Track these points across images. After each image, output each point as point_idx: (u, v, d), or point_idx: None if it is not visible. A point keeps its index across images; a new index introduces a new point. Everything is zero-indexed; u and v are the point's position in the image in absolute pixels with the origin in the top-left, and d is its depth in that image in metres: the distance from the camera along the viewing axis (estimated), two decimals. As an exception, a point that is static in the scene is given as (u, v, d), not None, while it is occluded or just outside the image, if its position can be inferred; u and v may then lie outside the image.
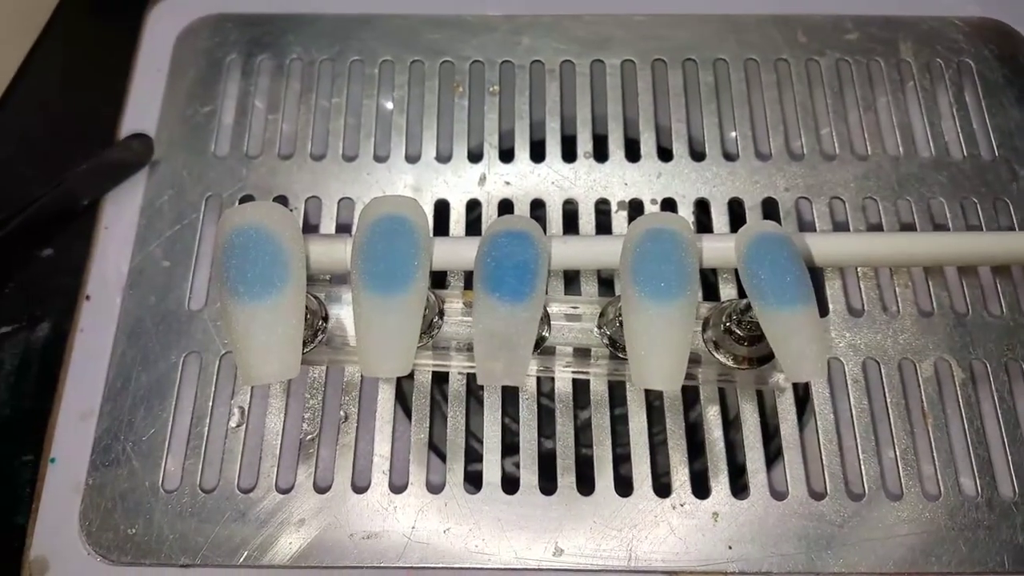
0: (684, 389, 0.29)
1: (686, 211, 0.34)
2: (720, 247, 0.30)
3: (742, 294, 0.28)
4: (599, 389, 0.30)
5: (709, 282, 0.34)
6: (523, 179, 0.34)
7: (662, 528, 0.28)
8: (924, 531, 0.28)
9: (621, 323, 0.27)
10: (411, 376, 0.30)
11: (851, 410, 0.30)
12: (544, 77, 0.36)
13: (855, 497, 0.28)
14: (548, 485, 0.29)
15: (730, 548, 0.28)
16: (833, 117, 0.36)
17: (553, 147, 0.35)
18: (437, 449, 0.31)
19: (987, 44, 0.37)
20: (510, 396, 0.30)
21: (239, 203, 0.34)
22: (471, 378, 0.30)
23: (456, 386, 0.30)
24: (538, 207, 0.34)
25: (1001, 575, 0.27)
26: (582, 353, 0.29)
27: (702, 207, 0.34)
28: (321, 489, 0.29)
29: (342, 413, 0.30)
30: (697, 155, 0.35)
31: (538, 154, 0.35)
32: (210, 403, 0.30)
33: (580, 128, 0.35)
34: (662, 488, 0.29)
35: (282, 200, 0.34)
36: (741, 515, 0.28)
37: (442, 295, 0.29)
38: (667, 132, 0.35)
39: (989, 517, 0.28)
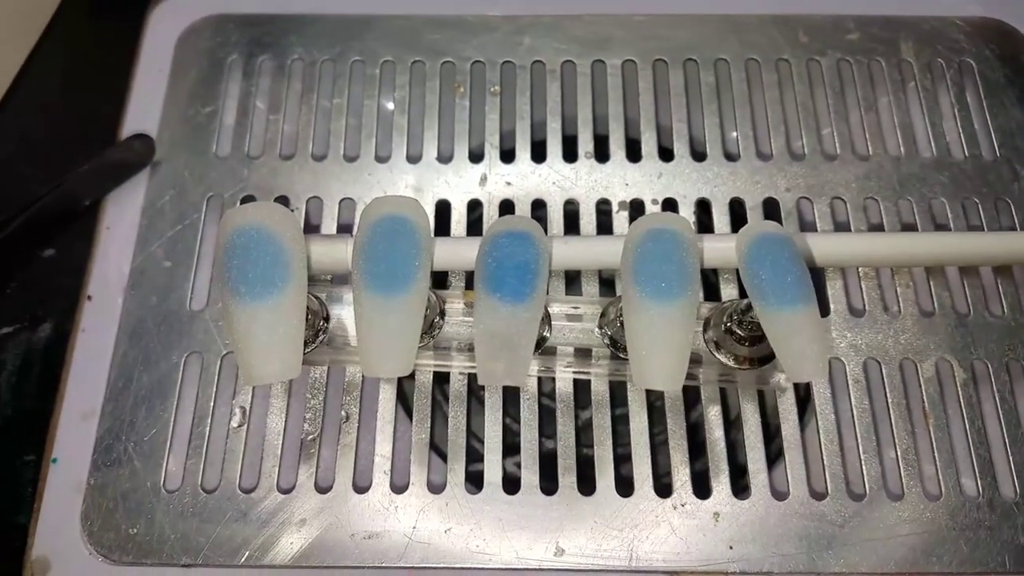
0: (685, 389, 0.29)
1: (687, 211, 0.34)
2: (721, 247, 0.30)
3: (743, 294, 0.28)
4: (600, 389, 0.30)
5: (710, 282, 0.34)
6: (524, 179, 0.34)
7: (663, 528, 0.28)
8: (925, 531, 0.28)
9: (622, 323, 0.27)
10: (412, 376, 0.30)
11: (852, 410, 0.30)
12: (545, 77, 0.36)
13: (856, 497, 0.28)
14: (549, 485, 0.29)
15: (731, 548, 0.28)
16: (834, 117, 0.36)
17: (554, 147, 0.35)
18: (438, 449, 0.31)
19: (988, 44, 0.37)
20: (511, 396, 0.30)
21: (240, 203, 0.34)
22: (472, 378, 0.30)
23: (457, 386, 0.30)
24: (539, 207, 0.34)
25: (1002, 575, 0.27)
26: (583, 353, 0.29)
27: (703, 207, 0.34)
28: (322, 489, 0.29)
29: (343, 413, 0.30)
30: (698, 155, 0.35)
31: (539, 154, 0.35)
32: (211, 403, 0.30)
33: (581, 128, 0.35)
34: (663, 488, 0.29)
35: (283, 200, 0.34)
36: (742, 515, 0.28)
37: (443, 295, 0.29)
38: (668, 132, 0.35)
39: (990, 517, 0.28)
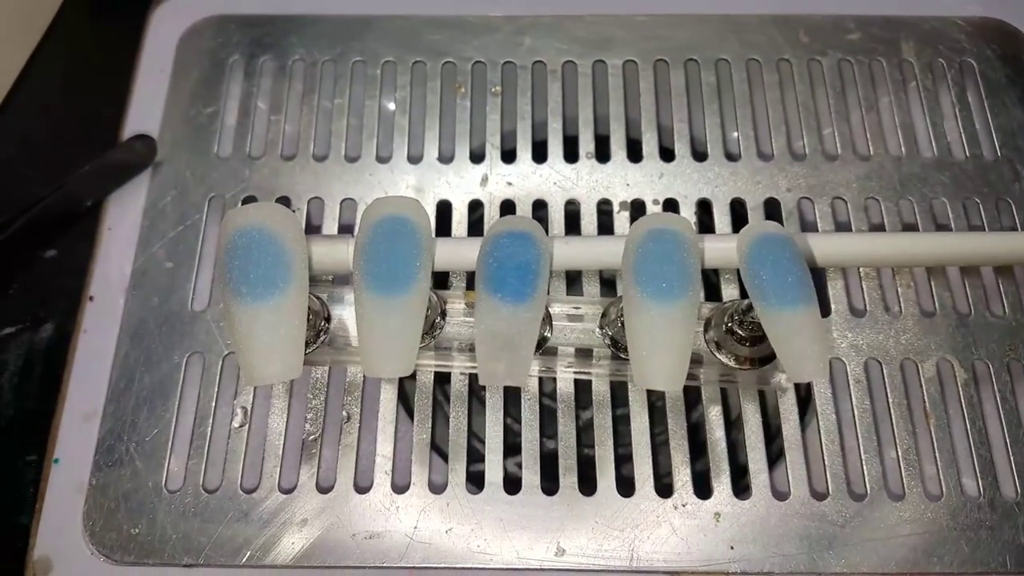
0: (686, 389, 0.29)
1: (688, 211, 0.34)
2: (722, 247, 0.30)
3: (744, 294, 0.28)
4: (601, 389, 0.30)
5: (711, 282, 0.34)
6: (525, 180, 0.34)
7: (664, 528, 0.28)
8: (926, 531, 0.28)
9: (623, 323, 0.27)
10: (413, 376, 0.30)
11: (853, 410, 0.30)
12: (546, 78, 0.36)
13: (857, 497, 0.28)
14: (550, 485, 0.29)
15: (732, 548, 0.28)
16: (835, 117, 0.36)
17: (555, 148, 0.35)
18: (439, 449, 0.31)
19: (989, 44, 0.37)
20: (512, 396, 0.30)
21: (242, 204, 0.34)
22: (473, 378, 0.30)
23: (458, 386, 0.30)
24: (540, 208, 0.34)
25: (1003, 575, 0.27)
26: (584, 353, 0.29)
27: (704, 207, 0.34)
28: (324, 489, 0.29)
29: (344, 413, 0.30)
30: (699, 155, 0.35)
31: (540, 155, 0.35)
32: (213, 403, 0.30)
33: (582, 128, 0.35)
34: (664, 488, 0.29)
35: (285, 201, 0.34)
36: (743, 515, 0.28)
37: (444, 295, 0.29)
38: (669, 132, 0.35)
39: (991, 517, 0.28)
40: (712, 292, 0.33)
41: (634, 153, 0.35)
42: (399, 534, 0.28)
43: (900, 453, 0.29)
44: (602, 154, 0.35)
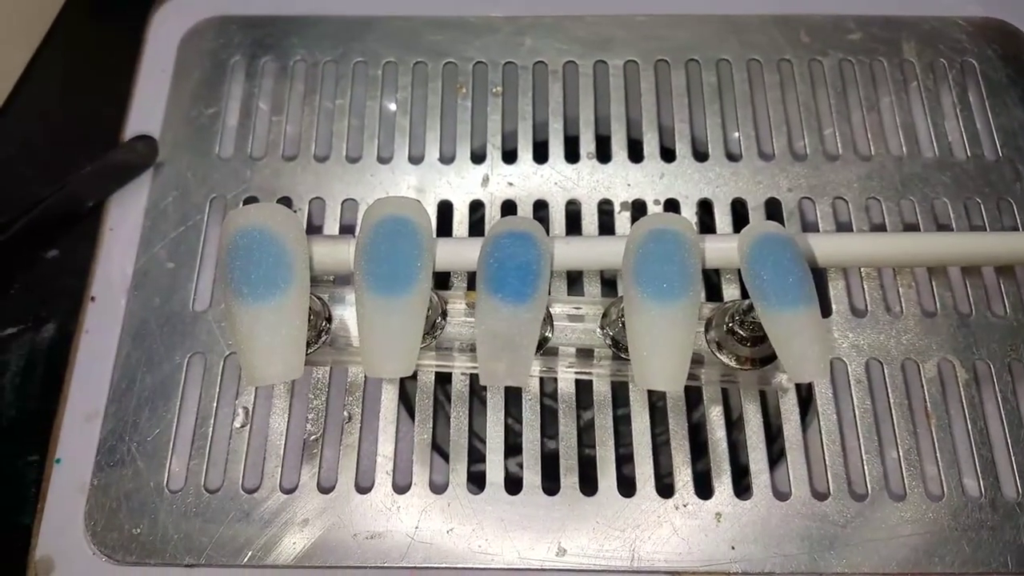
0: (687, 390, 0.29)
1: (689, 211, 0.34)
2: (723, 248, 0.30)
3: (745, 295, 0.28)
4: (602, 390, 0.30)
5: (712, 283, 0.34)
6: (526, 180, 0.35)
7: (665, 528, 0.28)
8: (927, 532, 0.28)
9: (624, 324, 0.27)
10: (414, 377, 0.30)
11: (854, 411, 0.30)
12: (547, 78, 0.36)
13: (858, 497, 0.28)
14: (551, 485, 0.29)
15: (733, 548, 0.28)
16: (836, 117, 0.36)
17: (556, 148, 0.35)
18: (440, 449, 0.31)
19: (990, 44, 0.37)
20: (513, 396, 0.30)
21: (243, 204, 0.34)
22: (474, 378, 0.30)
23: (459, 386, 0.30)
24: (541, 208, 0.34)
25: (1004, 575, 0.27)
26: (585, 354, 0.29)
27: (705, 207, 0.34)
28: (325, 489, 0.29)
29: (346, 413, 0.30)
30: (700, 156, 0.35)
31: (541, 155, 0.35)
32: (214, 404, 0.30)
33: (583, 129, 0.35)
34: (665, 488, 0.29)
35: (286, 201, 0.34)
36: (744, 515, 0.28)
37: (445, 296, 0.29)
38: (670, 133, 0.35)
39: (992, 518, 0.28)
40: (713, 292, 0.33)
41: (635, 153, 0.35)
42: (400, 534, 0.28)
43: (901, 453, 0.29)
44: (603, 154, 0.35)
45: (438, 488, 0.29)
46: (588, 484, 0.29)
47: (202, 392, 0.30)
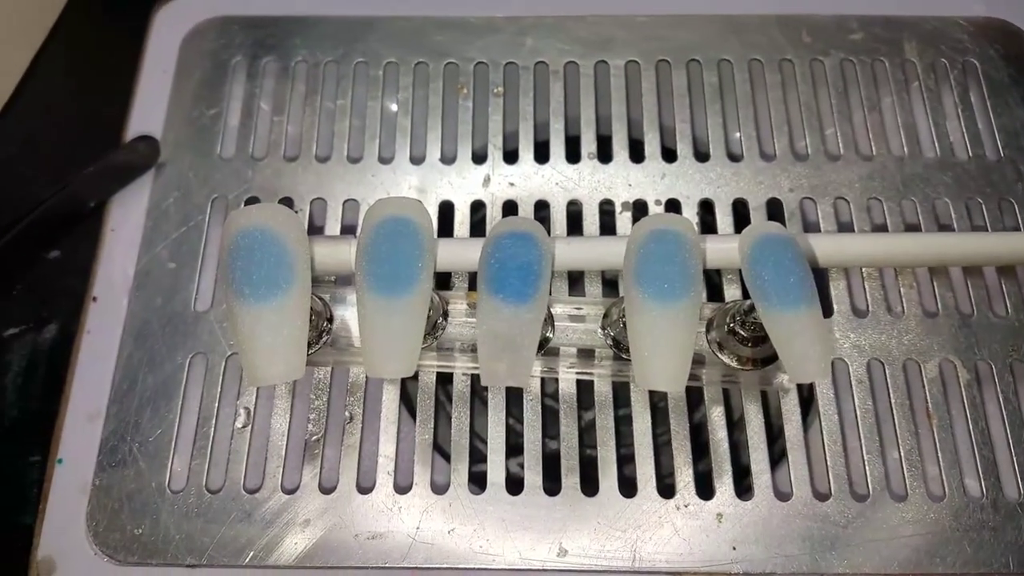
0: (688, 390, 0.29)
1: (690, 212, 0.34)
2: (724, 248, 0.30)
3: (746, 295, 0.28)
4: (603, 390, 0.30)
5: (713, 283, 0.34)
6: (527, 180, 0.35)
7: (666, 529, 0.28)
8: (929, 532, 0.28)
9: (625, 324, 0.27)
10: (415, 377, 0.30)
11: (855, 411, 0.30)
12: (548, 78, 0.36)
13: (859, 498, 0.28)
14: (552, 486, 0.29)
15: (734, 549, 0.28)
16: (838, 117, 0.35)
17: (557, 148, 0.35)
18: (441, 450, 0.31)
19: (992, 44, 0.37)
20: (514, 397, 0.30)
21: (245, 205, 0.34)
22: (475, 379, 0.30)
23: (460, 387, 0.30)
24: (542, 208, 0.34)
25: (1006, 576, 0.27)
26: (586, 354, 0.29)
27: (706, 208, 0.34)
28: (326, 490, 0.29)
29: (347, 414, 0.30)
30: (701, 156, 0.35)
31: (542, 155, 0.35)
32: (216, 404, 0.30)
33: (584, 129, 0.35)
34: (666, 489, 0.29)
35: (287, 202, 0.34)
36: (745, 516, 0.28)
37: (446, 296, 0.29)
38: (671, 133, 0.35)
39: (994, 518, 0.28)
40: (714, 292, 0.33)
41: (636, 153, 0.35)
42: (401, 534, 0.28)
43: (902, 454, 0.29)
44: (604, 154, 0.35)
45: (439, 488, 0.29)
46: (589, 484, 0.29)
47: (204, 392, 0.30)
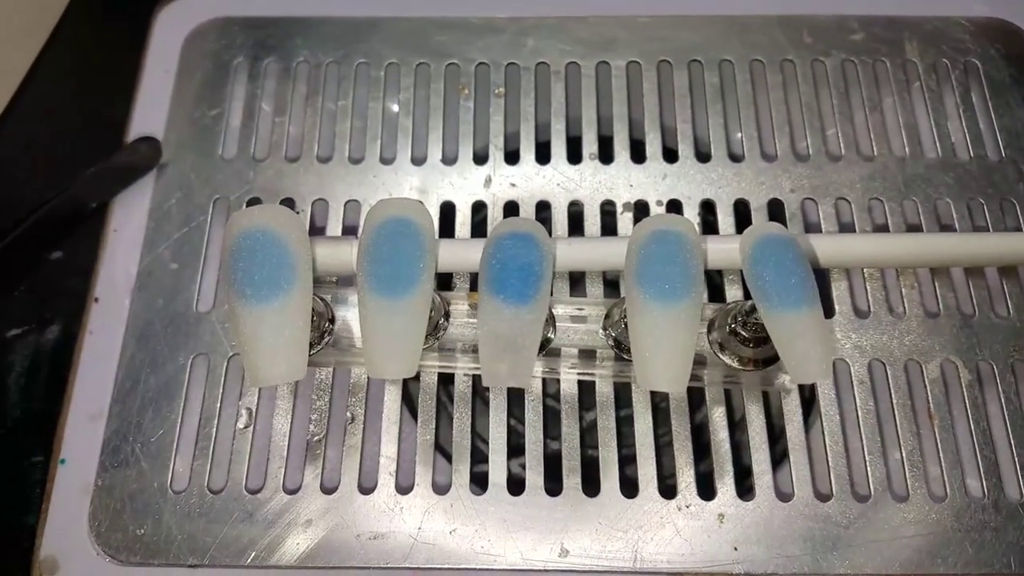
0: (690, 391, 0.29)
1: (692, 212, 0.34)
2: (725, 248, 0.30)
3: (747, 296, 0.28)
4: (605, 391, 0.30)
5: (714, 283, 0.34)
6: (529, 181, 0.35)
7: (668, 529, 0.28)
8: (930, 532, 0.28)
9: (626, 325, 0.27)
10: (417, 377, 0.30)
11: (857, 411, 0.30)
12: (549, 79, 0.37)
13: (861, 498, 0.28)
14: (554, 486, 0.29)
15: (736, 549, 0.28)
16: (839, 118, 0.35)
17: (558, 149, 0.35)
18: (443, 450, 0.31)
19: (993, 44, 0.37)
20: (516, 397, 0.30)
21: (246, 206, 0.34)
22: (477, 379, 0.30)
23: (462, 387, 0.30)
24: (544, 209, 0.34)
25: (1008, 577, 0.27)
26: (587, 355, 0.29)
27: (708, 208, 0.34)
28: (328, 490, 0.29)
29: (349, 414, 0.30)
30: (703, 156, 0.35)
31: (543, 156, 0.35)
32: (218, 404, 0.30)
33: (585, 129, 0.35)
34: (668, 489, 0.29)
35: (289, 202, 0.34)
36: (747, 516, 0.28)
37: (448, 297, 0.29)
38: (672, 133, 0.35)
39: (995, 519, 0.28)
40: (715, 293, 0.33)
41: (637, 154, 0.35)
42: (403, 535, 0.28)
43: (904, 454, 0.29)
44: (605, 155, 0.35)
45: (441, 489, 0.29)
46: (591, 485, 0.29)
47: (206, 393, 0.30)
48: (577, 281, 0.33)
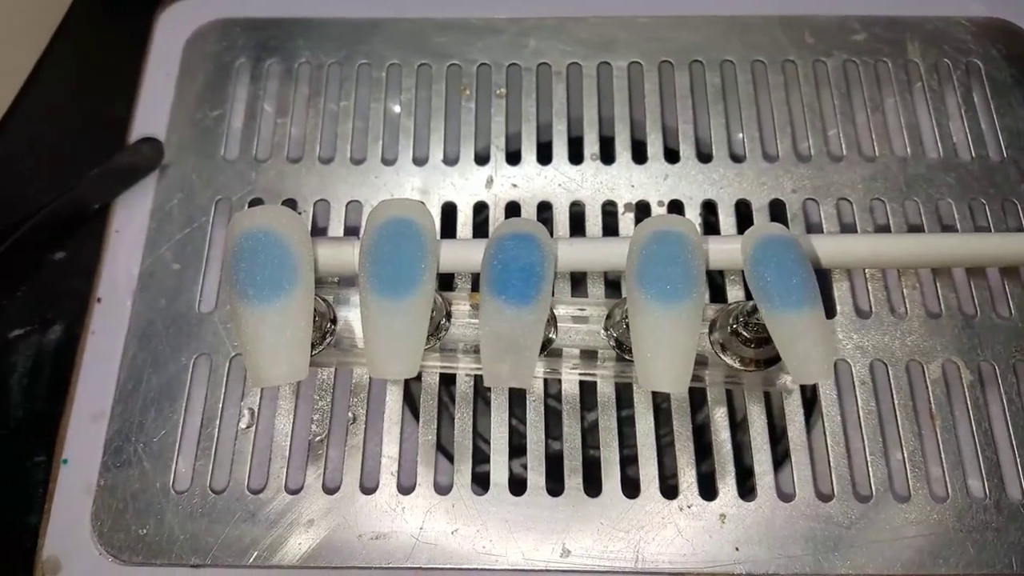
0: (691, 391, 0.29)
1: (693, 213, 0.34)
2: (726, 249, 0.30)
3: (749, 296, 0.28)
4: (606, 391, 0.30)
5: (716, 284, 0.34)
6: (530, 181, 0.35)
7: (669, 530, 0.28)
8: (932, 533, 0.28)
9: (627, 325, 0.27)
10: (419, 378, 0.30)
11: (859, 412, 0.30)
12: (551, 79, 0.37)
13: (862, 499, 0.28)
14: (555, 486, 0.29)
15: (737, 550, 0.28)
16: (840, 118, 0.35)
17: (560, 149, 0.35)
18: (445, 450, 0.31)
19: (995, 44, 0.37)
20: (517, 398, 0.30)
21: (248, 206, 0.34)
22: (478, 380, 0.30)
23: (464, 388, 0.30)
24: (545, 209, 0.34)
25: (1009, 577, 0.27)
26: (589, 355, 0.29)
27: (709, 209, 0.34)
28: (330, 490, 0.29)
29: (350, 414, 0.30)
30: (704, 157, 0.35)
31: (545, 156, 0.35)
32: (220, 405, 0.30)
33: (587, 130, 0.35)
34: (669, 490, 0.29)
35: (291, 203, 0.34)
36: (748, 517, 0.28)
37: (449, 297, 0.29)
38: (674, 134, 0.35)
39: (997, 519, 0.28)
40: (717, 293, 0.33)
41: (639, 154, 0.35)
42: (405, 535, 0.28)
43: (906, 455, 0.29)
44: (607, 156, 0.35)
45: (442, 489, 0.29)
46: (592, 485, 0.29)
47: (208, 393, 0.30)
48: (578, 282, 0.33)
